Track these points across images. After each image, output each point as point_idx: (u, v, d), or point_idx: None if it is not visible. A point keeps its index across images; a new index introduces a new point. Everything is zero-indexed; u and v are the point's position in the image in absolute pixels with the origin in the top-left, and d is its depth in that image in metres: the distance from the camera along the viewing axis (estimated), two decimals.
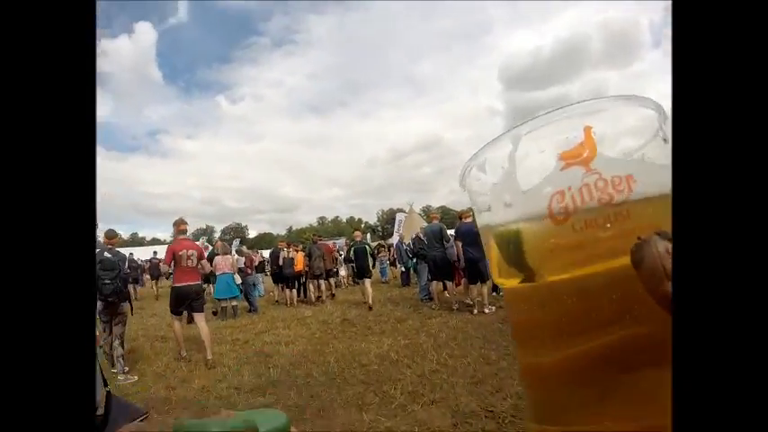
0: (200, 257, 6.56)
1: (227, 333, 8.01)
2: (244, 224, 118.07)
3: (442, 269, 8.84)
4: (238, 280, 10.29)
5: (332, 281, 12.44)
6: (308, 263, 11.31)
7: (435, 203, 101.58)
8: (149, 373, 5.89)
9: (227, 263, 9.99)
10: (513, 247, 0.38)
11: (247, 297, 10.69)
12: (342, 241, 15.39)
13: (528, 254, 0.37)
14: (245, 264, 11.09)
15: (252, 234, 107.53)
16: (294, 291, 11.75)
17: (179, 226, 6.56)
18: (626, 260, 0.30)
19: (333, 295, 12.20)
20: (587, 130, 0.34)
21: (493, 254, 0.41)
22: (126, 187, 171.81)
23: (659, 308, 0.28)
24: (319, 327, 7.94)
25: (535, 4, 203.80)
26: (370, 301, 9.61)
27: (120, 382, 5.48)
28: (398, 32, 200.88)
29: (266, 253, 15.35)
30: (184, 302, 6.38)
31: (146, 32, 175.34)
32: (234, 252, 11.97)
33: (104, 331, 5.90)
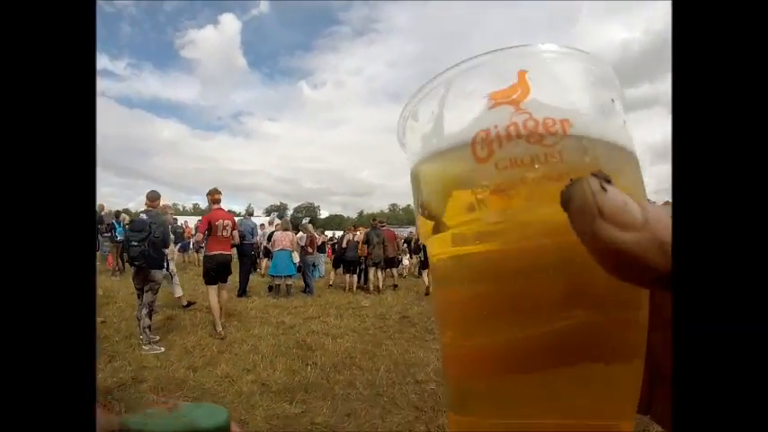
0: (234, 227, 6.43)
1: (273, 314, 7.34)
2: (316, 204, 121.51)
3: None
4: (297, 258, 9.63)
5: (394, 270, 11.48)
6: (368, 249, 10.49)
7: None
8: (177, 347, 5.38)
9: (286, 239, 9.37)
10: (420, 185, 0.35)
11: (305, 277, 10.03)
12: (412, 230, 14.54)
13: (440, 191, 0.33)
14: (306, 242, 10.44)
15: (323, 215, 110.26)
16: (354, 276, 11.00)
17: (213, 195, 6.41)
18: (559, 210, 0.26)
19: (395, 286, 11.24)
20: (521, 73, 0.32)
21: (414, 207, 0.37)
22: (211, 164, 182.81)
23: (597, 262, 0.24)
24: (374, 321, 7.02)
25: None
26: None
27: (145, 353, 5.07)
28: (480, 20, 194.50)
29: (339, 234, 14.68)
30: (218, 271, 6.19)
31: (230, 23, 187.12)
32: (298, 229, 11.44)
33: (138, 298, 5.57)
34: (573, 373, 0.28)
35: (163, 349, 5.23)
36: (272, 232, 9.58)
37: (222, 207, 6.51)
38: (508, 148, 0.30)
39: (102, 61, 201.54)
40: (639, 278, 0.24)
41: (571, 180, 0.26)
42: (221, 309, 6.23)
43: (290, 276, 9.37)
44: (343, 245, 11.04)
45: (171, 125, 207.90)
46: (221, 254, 6.30)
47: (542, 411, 0.29)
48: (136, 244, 5.20)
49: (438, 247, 0.34)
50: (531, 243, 0.29)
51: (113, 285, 9.15)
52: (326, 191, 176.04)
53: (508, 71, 0.32)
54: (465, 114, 0.32)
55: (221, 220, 6.24)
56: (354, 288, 10.74)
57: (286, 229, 9.72)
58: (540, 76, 0.32)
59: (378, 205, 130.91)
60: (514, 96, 0.31)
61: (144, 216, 5.46)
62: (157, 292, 5.60)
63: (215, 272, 6.24)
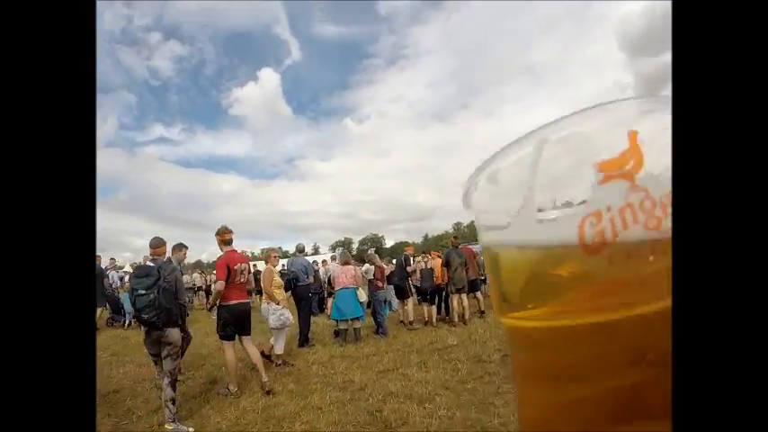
0: (250, 272, 5.57)
1: (339, 368, 5.79)
2: (380, 234, 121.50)
3: None
4: (363, 297, 8.05)
5: (478, 294, 9.61)
6: (449, 273, 8.76)
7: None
8: (211, 425, 4.07)
9: (347, 275, 7.87)
10: (515, 271, 0.31)
11: (375, 316, 8.39)
12: (480, 246, 12.79)
13: (535, 283, 0.30)
14: (374, 275, 8.87)
15: (388, 244, 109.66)
16: (433, 307, 9.29)
17: (223, 235, 5.34)
18: (668, 302, 0.25)
19: (482, 312, 9.35)
20: (632, 135, 0.27)
21: (495, 282, 0.33)
22: (271, 208, 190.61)
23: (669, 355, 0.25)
24: (471, 368, 5.25)
25: None
26: None
27: None
28: (502, 24, 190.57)
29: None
30: (237, 324, 5.19)
31: (269, 76, 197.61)
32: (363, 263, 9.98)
33: (156, 365, 4.52)
34: (637, 429, 0.27)
35: (191, 430, 3.98)
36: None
37: (235, 248, 5.44)
38: (624, 237, 0.26)
39: (157, 130, 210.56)
40: None
41: None
42: (261, 360, 5.30)
43: (357, 318, 7.79)
44: (417, 274, 9.41)
45: (230, 178, 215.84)
46: (240, 303, 5.23)
47: None
48: (143, 293, 4.01)
49: (516, 323, 0.31)
50: (634, 319, 0.26)
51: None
52: (387, 220, 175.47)
53: (613, 131, 0.28)
54: (566, 188, 0.29)
55: (239, 264, 5.18)
56: (435, 321, 9.01)
57: (346, 263, 8.20)
58: (650, 137, 0.27)
59: (441, 226, 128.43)
60: (628, 168, 0.27)
61: (150, 263, 4.25)
62: (178, 357, 4.34)
63: (234, 325, 5.13)
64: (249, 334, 5.37)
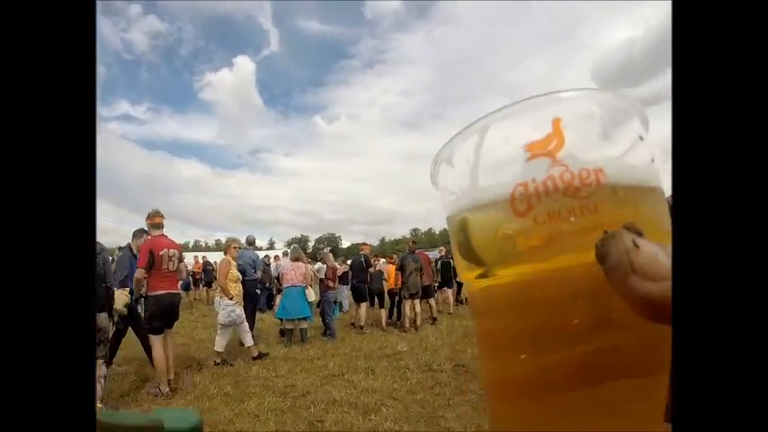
0: (181, 259, 5.02)
1: (282, 371, 5.42)
2: (338, 234, 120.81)
3: None
4: (312, 296, 7.67)
5: (431, 301, 9.44)
6: (403, 277, 8.54)
7: None
8: None
9: (297, 272, 7.46)
10: (465, 234, 0.37)
11: (324, 317, 8.00)
12: (435, 253, 12.71)
13: (484, 243, 0.36)
14: (326, 275, 8.50)
15: (345, 244, 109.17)
16: (383, 311, 9.05)
17: (153, 218, 4.89)
18: (591, 256, 0.29)
19: (434, 320, 9.20)
20: (556, 121, 0.33)
21: (453, 248, 0.40)
22: (231, 200, 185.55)
23: (634, 313, 0.27)
24: (420, 377, 5.02)
25: None
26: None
27: None
28: (486, 41, 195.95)
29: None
30: (164, 316, 4.76)
31: (244, 64, 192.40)
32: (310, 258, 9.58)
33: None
34: (611, 390, 0.30)
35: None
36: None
37: (166, 234, 4.93)
38: (546, 202, 0.32)
39: (123, 106, 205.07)
40: (667, 319, 0.25)
41: (605, 233, 0.28)
42: (169, 366, 4.75)
43: (303, 319, 7.36)
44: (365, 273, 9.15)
45: (191, 165, 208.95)
46: (169, 294, 4.77)
47: (584, 428, 0.31)
48: None
49: (476, 283, 0.37)
50: (563, 271, 0.31)
51: None
52: (347, 221, 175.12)
53: (542, 119, 0.33)
54: (502, 165, 0.35)
55: (166, 250, 4.69)
56: (384, 325, 8.76)
57: (297, 259, 7.76)
58: (572, 122, 0.33)
59: (399, 231, 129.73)
60: (550, 147, 0.33)
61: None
62: (109, 343, 3.97)
63: (161, 318, 4.68)
64: (172, 327, 4.99)
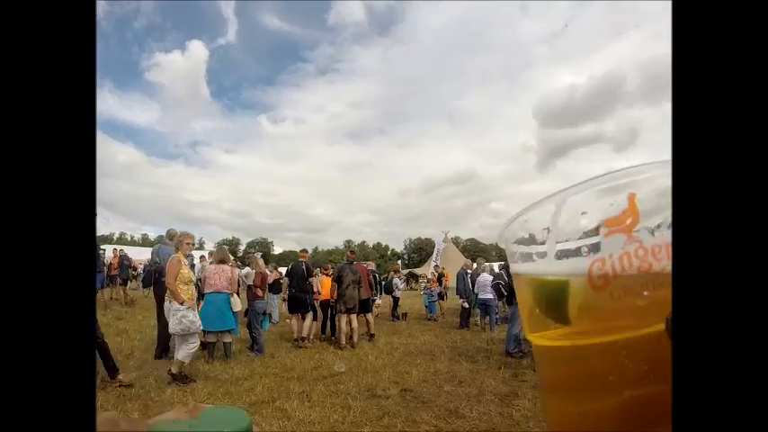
0: None
1: (199, 395, 4.53)
2: (270, 240, 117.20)
3: None
4: (238, 305, 6.60)
5: (369, 317, 8.82)
6: (339, 290, 7.88)
7: (464, 236, 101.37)
8: None
9: (222, 277, 6.40)
10: (554, 297, 0.39)
11: (251, 330, 7.08)
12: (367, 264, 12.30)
13: (566, 309, 0.38)
14: (254, 281, 7.49)
15: (277, 251, 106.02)
16: (316, 324, 8.33)
17: None
18: (660, 327, 0.31)
19: (371, 336, 8.60)
20: (631, 197, 0.35)
21: (527, 304, 0.43)
22: (163, 191, 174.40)
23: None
24: (365, 404, 4.37)
25: (576, 44, 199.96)
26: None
27: None
28: (439, 68, 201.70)
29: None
30: None
31: (197, 50, 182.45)
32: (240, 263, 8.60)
33: None
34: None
35: None
36: None
37: None
38: (622, 279, 0.35)
39: None
40: None
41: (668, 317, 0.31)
42: None
43: (228, 331, 6.40)
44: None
45: (126, 149, 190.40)
46: None
47: None
48: None
49: (549, 341, 0.41)
50: (630, 340, 0.34)
51: None
52: (281, 227, 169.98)
53: (618, 193, 0.36)
54: (579, 238, 0.38)
55: None
56: (317, 338, 8.03)
57: (222, 261, 6.64)
58: (646, 198, 0.35)
59: (333, 242, 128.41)
60: (627, 223, 0.35)
61: None
62: None
63: None
64: None
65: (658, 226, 0.35)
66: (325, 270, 9.58)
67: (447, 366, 6.02)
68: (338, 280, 8.00)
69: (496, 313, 9.70)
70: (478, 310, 10.01)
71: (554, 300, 0.39)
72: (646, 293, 0.34)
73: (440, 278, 13.09)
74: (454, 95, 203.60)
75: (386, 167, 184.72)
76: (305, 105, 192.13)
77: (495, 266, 11.66)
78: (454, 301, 12.54)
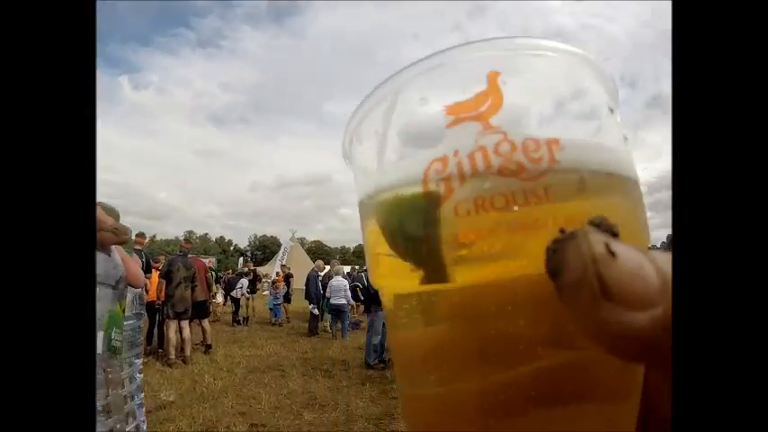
0: None
1: None
2: None
3: None
4: None
5: (206, 323, 7.43)
6: (167, 289, 6.47)
7: (311, 237, 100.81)
8: None
9: None
10: (396, 225, 0.28)
11: None
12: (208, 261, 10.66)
13: (396, 237, 0.27)
14: None
15: None
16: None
17: None
18: (538, 266, 0.21)
19: (208, 347, 7.25)
20: (492, 75, 0.25)
21: (369, 241, 0.31)
22: None
23: (603, 351, 0.20)
24: None
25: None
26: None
27: None
28: (322, 69, 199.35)
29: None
30: None
31: None
32: None
33: None
34: (564, 415, 0.24)
35: None
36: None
37: None
38: (472, 185, 0.24)
39: None
40: (656, 361, 0.20)
41: (561, 232, 0.20)
42: None
43: None
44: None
45: None
46: None
47: None
48: None
49: (394, 288, 0.29)
50: (508, 279, 0.24)
51: None
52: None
53: (474, 73, 0.25)
54: (416, 135, 0.28)
55: None
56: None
57: None
58: (518, 80, 0.25)
59: (173, 231, 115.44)
60: (483, 108, 0.25)
61: None
62: None
63: None
64: None
65: (532, 116, 0.25)
66: (156, 263, 7.82)
67: (302, 385, 5.19)
68: (167, 276, 6.54)
69: (348, 319, 9.15)
70: (329, 316, 9.36)
71: (398, 229, 0.27)
72: (516, 208, 0.23)
73: (287, 278, 12.05)
74: (326, 98, 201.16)
75: (242, 159, 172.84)
76: (174, 76, 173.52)
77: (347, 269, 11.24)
78: (300, 304, 11.66)
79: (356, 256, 73.20)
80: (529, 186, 0.23)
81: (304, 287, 9.91)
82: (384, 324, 5.17)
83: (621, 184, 0.25)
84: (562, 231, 0.21)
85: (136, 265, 2.51)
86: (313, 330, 9.35)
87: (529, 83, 0.26)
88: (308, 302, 9.67)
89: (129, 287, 2.37)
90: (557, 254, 0.20)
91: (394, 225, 0.27)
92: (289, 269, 13.53)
